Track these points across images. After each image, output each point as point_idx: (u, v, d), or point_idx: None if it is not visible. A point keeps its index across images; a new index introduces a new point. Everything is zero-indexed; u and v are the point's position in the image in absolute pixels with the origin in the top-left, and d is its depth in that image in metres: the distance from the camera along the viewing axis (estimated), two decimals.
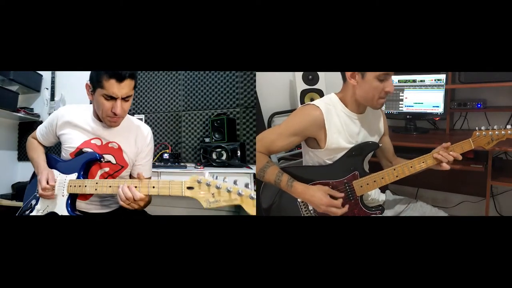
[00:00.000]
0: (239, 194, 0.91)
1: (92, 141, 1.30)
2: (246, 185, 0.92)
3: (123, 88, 1.16)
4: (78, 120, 1.31)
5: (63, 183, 1.25)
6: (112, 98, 1.18)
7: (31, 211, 1.28)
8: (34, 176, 1.39)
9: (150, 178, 1.42)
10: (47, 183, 1.22)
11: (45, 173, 1.25)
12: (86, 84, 1.24)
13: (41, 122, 1.47)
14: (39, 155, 1.36)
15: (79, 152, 1.28)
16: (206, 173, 0.99)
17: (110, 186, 1.16)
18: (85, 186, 1.20)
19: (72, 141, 1.29)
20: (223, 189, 0.93)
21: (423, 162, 1.22)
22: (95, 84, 1.19)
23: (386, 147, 1.44)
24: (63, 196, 1.23)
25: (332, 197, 1.19)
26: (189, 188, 0.99)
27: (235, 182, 0.94)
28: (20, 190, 2.65)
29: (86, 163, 1.25)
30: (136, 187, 1.10)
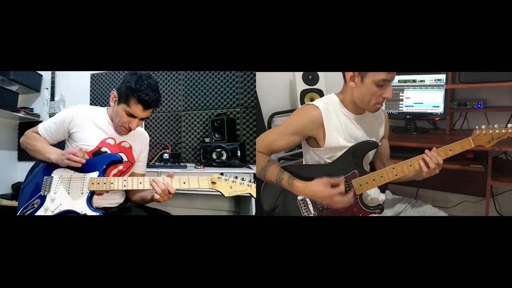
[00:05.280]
0: (249, 185, 1.26)
1: (107, 140, 1.39)
2: (250, 181, 1.27)
3: (146, 113, 1.33)
4: (98, 120, 1.39)
5: (81, 181, 1.28)
6: (132, 116, 1.32)
7: (34, 211, 1.27)
8: (32, 174, 1.38)
9: (144, 173, 1.57)
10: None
11: (66, 149, 1.29)
12: (112, 92, 1.36)
13: (41, 122, 1.46)
14: (45, 143, 1.37)
15: (97, 152, 1.34)
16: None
17: (140, 183, 1.27)
18: (112, 183, 1.27)
19: (88, 139, 1.35)
20: (237, 182, 1.27)
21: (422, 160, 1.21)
22: (122, 99, 1.32)
23: (383, 150, 1.44)
24: (82, 193, 1.27)
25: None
26: (213, 182, 1.26)
27: (243, 179, 1.28)
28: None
29: (109, 163, 1.32)
30: (167, 182, 1.24)
